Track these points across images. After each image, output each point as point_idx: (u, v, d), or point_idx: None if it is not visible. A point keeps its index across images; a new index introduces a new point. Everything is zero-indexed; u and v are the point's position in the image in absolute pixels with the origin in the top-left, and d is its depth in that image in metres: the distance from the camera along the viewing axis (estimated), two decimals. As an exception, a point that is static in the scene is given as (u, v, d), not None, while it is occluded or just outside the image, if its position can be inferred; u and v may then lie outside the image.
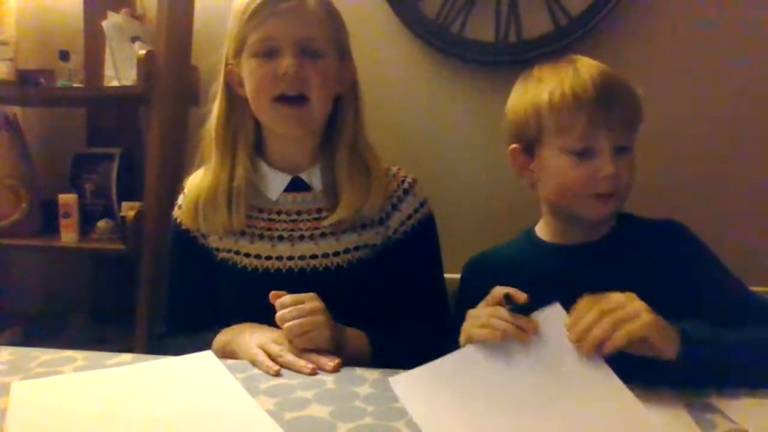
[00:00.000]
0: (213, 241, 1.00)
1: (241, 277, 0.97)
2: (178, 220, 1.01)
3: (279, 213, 0.98)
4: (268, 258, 0.96)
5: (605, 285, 0.85)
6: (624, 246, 0.93)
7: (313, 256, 0.96)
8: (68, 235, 1.57)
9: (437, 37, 1.51)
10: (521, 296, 0.77)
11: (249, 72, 0.93)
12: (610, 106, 0.87)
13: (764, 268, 1.07)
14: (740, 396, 0.71)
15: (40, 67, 1.68)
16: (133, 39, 1.55)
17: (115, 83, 1.56)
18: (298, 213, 0.98)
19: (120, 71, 1.55)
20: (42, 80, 1.63)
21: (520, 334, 0.73)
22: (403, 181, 1.01)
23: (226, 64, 0.97)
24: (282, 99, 0.91)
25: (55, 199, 1.58)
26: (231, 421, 0.64)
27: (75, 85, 1.59)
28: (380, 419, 0.65)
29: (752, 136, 1.43)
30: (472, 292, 0.91)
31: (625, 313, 0.70)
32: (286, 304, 0.82)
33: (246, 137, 0.98)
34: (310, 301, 0.83)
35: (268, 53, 0.91)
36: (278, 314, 0.81)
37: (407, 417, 0.65)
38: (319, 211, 0.98)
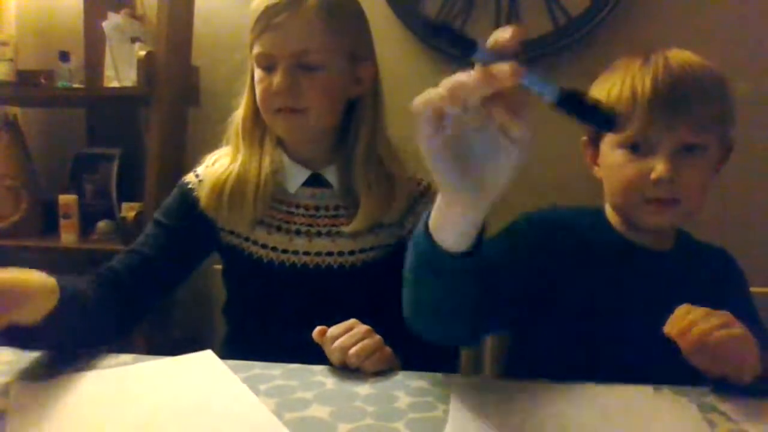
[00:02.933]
0: (225, 223, 0.98)
1: (255, 267, 0.97)
2: (194, 191, 0.99)
3: (297, 207, 0.98)
4: (285, 251, 0.96)
5: (662, 296, 0.84)
6: (684, 264, 0.89)
7: (329, 253, 0.96)
8: (68, 236, 1.57)
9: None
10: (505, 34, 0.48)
11: (255, 82, 0.94)
12: (677, 101, 0.79)
13: (764, 268, 1.07)
14: (740, 396, 0.71)
15: (40, 67, 1.68)
16: (133, 39, 1.55)
17: (115, 83, 1.56)
18: (317, 209, 0.98)
19: (120, 71, 1.55)
20: (42, 80, 1.63)
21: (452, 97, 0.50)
22: (419, 184, 1.01)
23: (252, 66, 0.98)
24: (280, 110, 0.92)
25: (55, 199, 1.58)
26: (235, 420, 0.64)
27: (75, 85, 1.59)
28: (380, 419, 0.65)
29: (752, 136, 1.43)
30: (529, 247, 0.86)
31: (725, 318, 0.69)
32: (337, 333, 0.78)
33: (272, 130, 0.98)
34: (358, 325, 0.80)
35: (266, 67, 0.92)
36: (336, 344, 0.77)
37: (407, 417, 0.65)
38: (336, 208, 0.98)
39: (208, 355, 0.81)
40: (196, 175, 1.01)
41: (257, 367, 0.79)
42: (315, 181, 0.99)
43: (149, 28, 1.62)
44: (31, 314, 0.71)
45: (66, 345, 0.80)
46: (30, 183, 1.64)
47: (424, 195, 1.00)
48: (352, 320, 0.81)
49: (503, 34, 0.48)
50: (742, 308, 0.89)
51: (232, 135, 1.00)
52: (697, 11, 1.43)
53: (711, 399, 0.70)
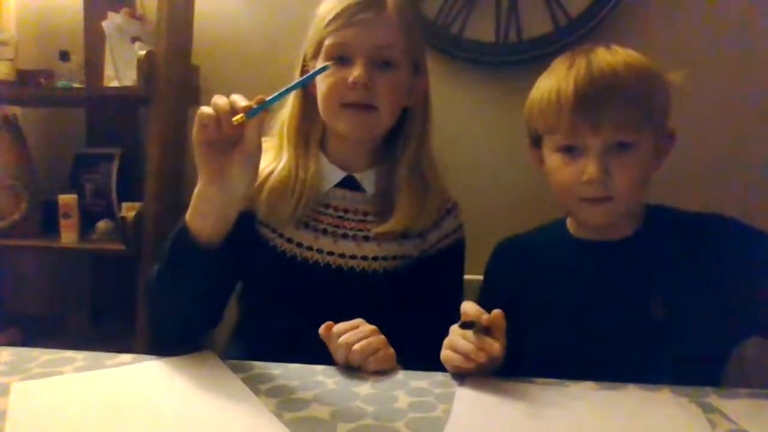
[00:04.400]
0: (262, 215, 0.98)
1: (278, 260, 0.97)
2: None
3: (327, 207, 0.99)
4: (309, 248, 0.97)
5: (637, 283, 0.87)
6: (657, 242, 0.89)
7: (353, 257, 0.96)
8: (68, 236, 1.57)
9: (437, 37, 1.51)
10: (482, 318, 0.74)
11: (322, 76, 0.94)
12: (599, 104, 0.81)
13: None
14: (740, 396, 0.72)
15: (40, 67, 1.68)
16: (133, 39, 1.55)
17: (115, 83, 1.56)
18: (345, 211, 0.99)
19: (120, 71, 1.55)
20: (42, 80, 1.63)
21: (470, 361, 0.73)
22: (447, 201, 1.03)
23: (303, 64, 0.99)
24: (349, 104, 0.92)
25: (55, 199, 1.58)
26: (235, 420, 0.64)
27: (75, 85, 1.59)
28: (380, 419, 0.65)
29: (753, 135, 1.43)
30: (501, 278, 0.96)
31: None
32: (343, 330, 0.80)
33: (317, 132, 1.00)
34: (364, 324, 0.81)
35: (340, 59, 0.92)
36: (341, 339, 0.78)
37: (407, 417, 0.65)
38: (365, 213, 0.99)
39: (208, 355, 0.82)
40: None
41: (257, 367, 0.79)
42: (347, 183, 0.99)
43: (149, 28, 1.62)
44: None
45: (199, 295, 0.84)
46: (30, 183, 1.64)
47: (451, 212, 1.02)
48: (359, 319, 0.82)
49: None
50: (742, 269, 0.84)
51: (275, 135, 1.00)
52: (698, 11, 1.43)
53: (711, 399, 0.70)
